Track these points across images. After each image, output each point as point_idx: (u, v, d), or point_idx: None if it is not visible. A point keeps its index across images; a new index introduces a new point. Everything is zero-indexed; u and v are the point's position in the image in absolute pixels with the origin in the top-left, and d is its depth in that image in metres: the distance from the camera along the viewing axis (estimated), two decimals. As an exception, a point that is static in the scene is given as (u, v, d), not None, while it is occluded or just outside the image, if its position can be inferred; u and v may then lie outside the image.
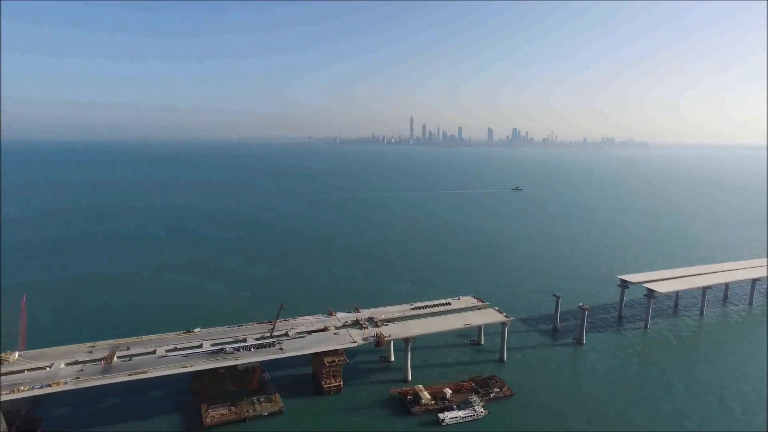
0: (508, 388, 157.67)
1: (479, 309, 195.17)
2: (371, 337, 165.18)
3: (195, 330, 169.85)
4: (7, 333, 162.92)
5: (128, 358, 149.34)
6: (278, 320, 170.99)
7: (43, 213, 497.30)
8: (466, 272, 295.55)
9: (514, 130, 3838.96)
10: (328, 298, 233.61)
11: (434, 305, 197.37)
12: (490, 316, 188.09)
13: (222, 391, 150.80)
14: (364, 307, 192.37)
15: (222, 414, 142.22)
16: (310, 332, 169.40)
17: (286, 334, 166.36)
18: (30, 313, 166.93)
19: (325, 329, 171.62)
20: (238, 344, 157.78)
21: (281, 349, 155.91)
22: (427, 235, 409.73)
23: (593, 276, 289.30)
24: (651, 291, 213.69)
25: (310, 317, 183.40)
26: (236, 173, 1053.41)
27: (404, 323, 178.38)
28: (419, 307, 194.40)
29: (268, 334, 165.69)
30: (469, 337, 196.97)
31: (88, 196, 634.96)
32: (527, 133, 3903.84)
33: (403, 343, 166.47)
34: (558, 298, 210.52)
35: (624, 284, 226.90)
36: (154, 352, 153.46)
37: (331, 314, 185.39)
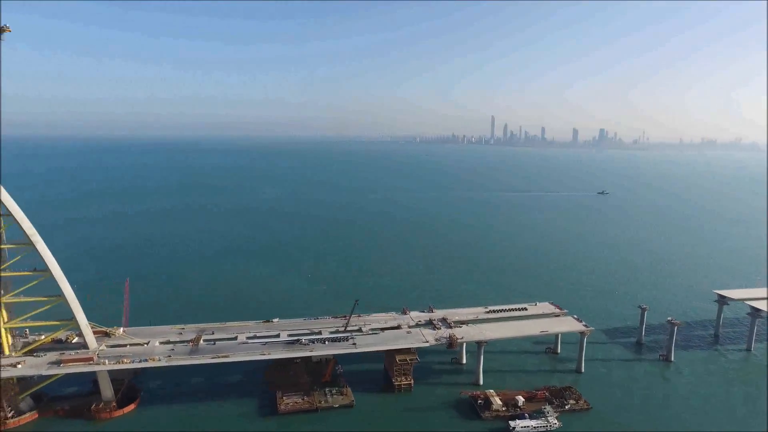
0: (585, 402, 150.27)
1: (557, 316, 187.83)
2: (444, 338, 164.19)
3: (273, 320, 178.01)
4: (115, 312, 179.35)
5: (212, 342, 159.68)
6: (353, 315, 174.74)
7: (158, 211, 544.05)
8: (545, 278, 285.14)
9: (601, 130, 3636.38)
10: (402, 297, 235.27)
11: (510, 309, 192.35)
12: (569, 325, 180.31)
13: (296, 381, 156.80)
14: (438, 308, 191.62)
15: (295, 402, 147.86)
16: (383, 329, 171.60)
17: (360, 330, 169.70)
18: (131, 295, 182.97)
19: (398, 327, 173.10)
20: (314, 336, 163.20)
21: (354, 344, 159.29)
22: (504, 237, 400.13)
23: (684, 289, 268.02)
24: (756, 310, 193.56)
25: (384, 314, 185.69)
26: (320, 170, 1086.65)
27: (478, 326, 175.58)
28: (494, 311, 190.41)
29: (343, 329, 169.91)
30: (545, 345, 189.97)
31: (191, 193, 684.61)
32: (615, 134, 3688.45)
33: (476, 346, 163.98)
34: (644, 310, 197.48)
35: (722, 300, 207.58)
36: (235, 338, 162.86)
37: (405, 312, 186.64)
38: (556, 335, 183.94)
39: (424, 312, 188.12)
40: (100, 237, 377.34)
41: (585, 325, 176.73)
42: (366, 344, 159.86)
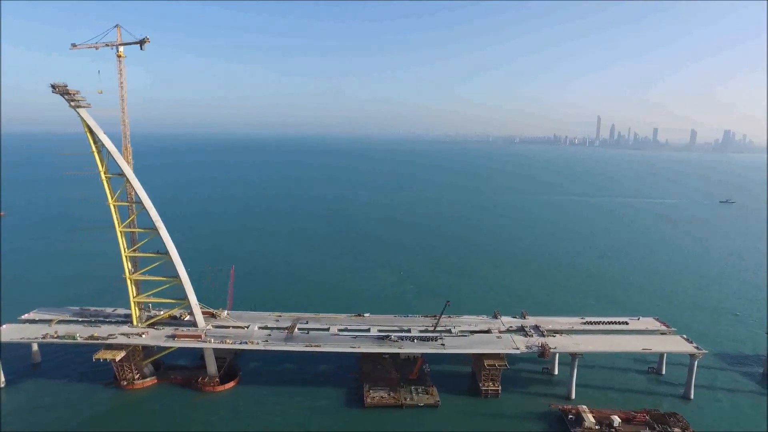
0: None
1: (663, 334, 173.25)
2: (536, 346, 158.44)
3: (365, 315, 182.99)
4: (220, 295, 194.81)
5: (306, 332, 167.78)
6: (443, 316, 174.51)
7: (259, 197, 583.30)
8: (651, 291, 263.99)
9: (726, 132, 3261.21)
10: (493, 300, 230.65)
11: (609, 322, 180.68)
12: (676, 345, 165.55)
13: (383, 376, 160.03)
14: (531, 314, 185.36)
15: (381, 397, 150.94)
16: (472, 332, 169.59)
17: (449, 331, 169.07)
18: (235, 281, 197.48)
19: (488, 331, 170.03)
20: (403, 334, 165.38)
21: (443, 344, 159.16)
22: (608, 244, 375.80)
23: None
24: None
25: (475, 317, 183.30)
26: (416, 169, 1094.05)
27: (573, 337, 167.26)
28: (591, 322, 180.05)
29: (432, 328, 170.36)
30: (648, 364, 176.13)
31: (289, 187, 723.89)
32: (744, 136, 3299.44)
33: (570, 358, 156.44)
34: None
35: None
36: (328, 329, 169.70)
37: (496, 316, 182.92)
38: (661, 355, 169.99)
39: (516, 318, 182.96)
40: (212, 226, 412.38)
41: (696, 347, 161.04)
42: (454, 346, 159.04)
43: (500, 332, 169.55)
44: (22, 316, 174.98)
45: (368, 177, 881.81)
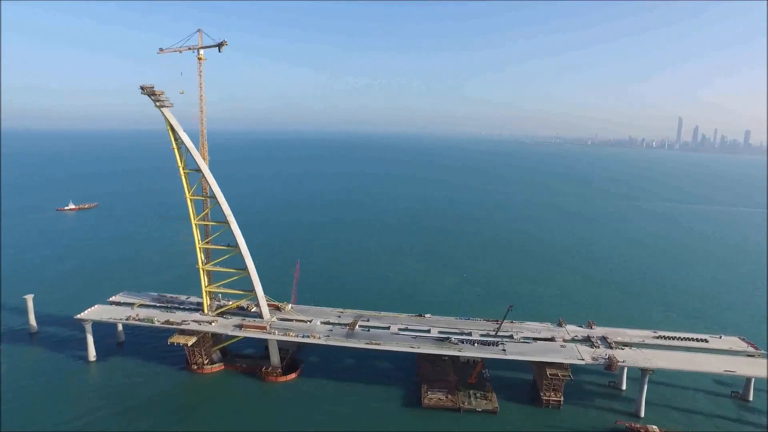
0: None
1: (749, 356, 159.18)
2: (603, 358, 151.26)
3: (426, 315, 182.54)
4: (284, 289, 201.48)
5: (367, 329, 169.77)
6: (505, 321, 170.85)
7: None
8: (736, 307, 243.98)
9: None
10: (557, 307, 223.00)
11: (685, 338, 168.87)
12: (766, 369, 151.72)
13: (442, 378, 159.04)
14: (599, 325, 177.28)
15: (439, 399, 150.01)
16: (535, 339, 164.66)
17: (511, 336, 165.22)
18: (301, 275, 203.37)
19: (551, 339, 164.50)
20: (463, 337, 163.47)
21: (504, 350, 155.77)
22: (690, 254, 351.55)
23: None
24: None
25: (538, 324, 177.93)
26: (485, 174, 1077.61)
27: (643, 351, 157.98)
28: (665, 337, 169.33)
29: (493, 333, 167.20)
30: (731, 388, 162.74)
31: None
32: None
33: (640, 373, 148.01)
34: None
35: None
36: (388, 328, 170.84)
37: (560, 324, 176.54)
38: (748, 379, 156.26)
39: (581, 327, 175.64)
40: (278, 221, 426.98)
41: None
42: (516, 352, 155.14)
43: (564, 341, 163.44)
44: (110, 298, 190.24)
45: (450, 175, 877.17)
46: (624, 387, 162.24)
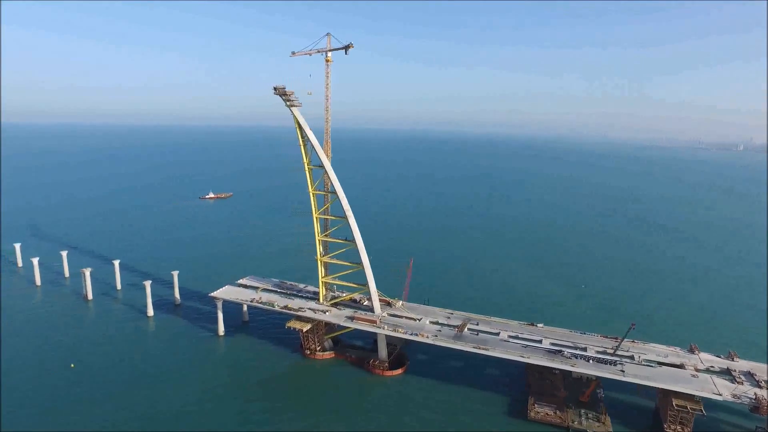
0: None
1: None
2: (748, 396, 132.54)
3: (538, 324, 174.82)
4: (398, 285, 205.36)
5: (476, 333, 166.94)
6: (625, 339, 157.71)
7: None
8: None
9: None
10: (689, 332, 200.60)
11: None
12: None
13: (551, 392, 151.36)
14: (743, 357, 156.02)
15: (547, 414, 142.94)
16: (660, 363, 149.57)
17: (632, 357, 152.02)
18: (413, 273, 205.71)
19: (681, 366, 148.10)
20: (578, 351, 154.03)
21: (623, 370, 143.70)
22: None
23: None
24: None
25: (664, 347, 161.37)
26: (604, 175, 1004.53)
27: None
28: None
29: (611, 351, 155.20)
30: None
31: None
32: None
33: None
34: None
35: None
36: (498, 334, 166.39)
37: (693, 351, 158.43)
38: None
39: (720, 357, 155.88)
40: (392, 221, 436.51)
41: None
42: (637, 375, 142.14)
43: (696, 370, 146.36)
44: (238, 281, 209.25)
45: (583, 187, 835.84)
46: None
